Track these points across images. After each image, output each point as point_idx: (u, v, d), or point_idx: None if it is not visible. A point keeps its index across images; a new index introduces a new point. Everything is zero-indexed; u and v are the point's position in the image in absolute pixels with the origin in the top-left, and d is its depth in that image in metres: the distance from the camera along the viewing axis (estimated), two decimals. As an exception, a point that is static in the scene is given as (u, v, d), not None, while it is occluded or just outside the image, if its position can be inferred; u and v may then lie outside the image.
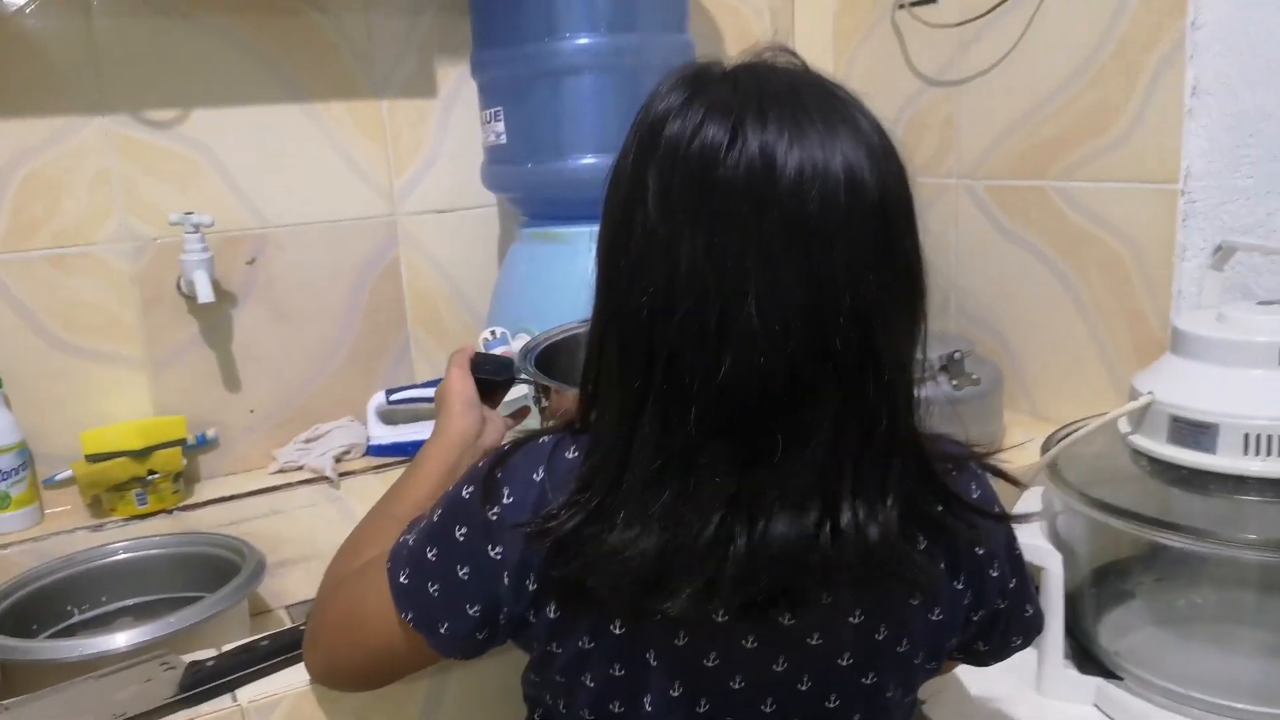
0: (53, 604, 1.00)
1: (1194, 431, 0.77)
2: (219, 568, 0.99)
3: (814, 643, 0.57)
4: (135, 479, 1.07)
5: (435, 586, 0.58)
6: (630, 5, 1.07)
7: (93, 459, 1.07)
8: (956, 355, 1.06)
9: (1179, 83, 0.99)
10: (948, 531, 0.57)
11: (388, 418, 1.23)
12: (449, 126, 1.23)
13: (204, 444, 1.16)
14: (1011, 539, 0.64)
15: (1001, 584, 0.63)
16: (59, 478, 1.09)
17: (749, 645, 0.57)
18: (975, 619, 0.63)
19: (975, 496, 0.60)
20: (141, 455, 1.07)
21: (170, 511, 1.09)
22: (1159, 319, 1.03)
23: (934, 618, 0.60)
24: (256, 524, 1.11)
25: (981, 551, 0.61)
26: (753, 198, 0.48)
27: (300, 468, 1.17)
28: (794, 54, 0.55)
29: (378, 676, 0.66)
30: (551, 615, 0.56)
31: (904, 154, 0.54)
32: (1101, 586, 0.90)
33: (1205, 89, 0.98)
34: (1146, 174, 1.03)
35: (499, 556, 0.56)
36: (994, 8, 1.14)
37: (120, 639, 0.86)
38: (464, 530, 0.57)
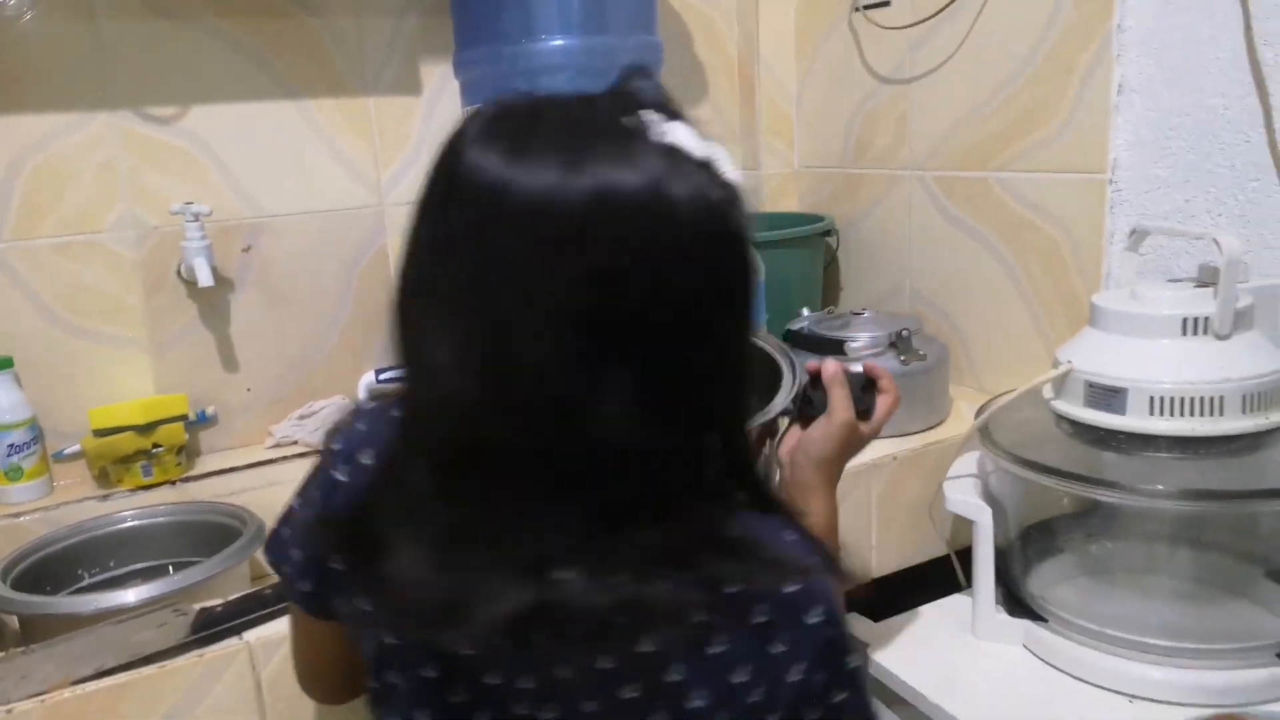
0: (64, 567, 1.07)
1: (1106, 395, 0.85)
2: (221, 533, 1.06)
3: (567, 675, 0.54)
4: (140, 452, 1.15)
5: (287, 529, 0.66)
6: (601, 9, 1.14)
7: (100, 434, 1.14)
8: (904, 333, 1.15)
9: (1107, 82, 1.08)
10: (723, 614, 0.51)
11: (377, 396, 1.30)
12: (432, 122, 1.31)
13: (204, 421, 1.23)
14: (837, 649, 0.54)
15: (805, 690, 0.53)
16: (68, 451, 1.16)
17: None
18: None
19: (788, 591, 0.52)
20: (146, 430, 1.15)
21: (174, 483, 1.17)
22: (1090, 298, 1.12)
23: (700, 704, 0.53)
24: (254, 494, 1.18)
25: (777, 651, 0.52)
26: (475, 228, 0.47)
27: (295, 442, 1.25)
28: (649, 82, 0.53)
29: (320, 668, 0.71)
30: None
31: (719, 196, 0.49)
32: (1029, 540, 0.98)
33: (1130, 87, 1.07)
34: (1078, 165, 1.12)
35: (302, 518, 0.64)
36: (939, 11, 1.23)
37: (131, 595, 0.93)
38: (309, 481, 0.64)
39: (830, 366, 0.77)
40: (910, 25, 1.28)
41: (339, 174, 1.27)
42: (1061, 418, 0.91)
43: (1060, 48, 1.12)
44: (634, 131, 0.48)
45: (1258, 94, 0.95)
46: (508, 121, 0.49)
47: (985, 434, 0.94)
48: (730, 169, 0.50)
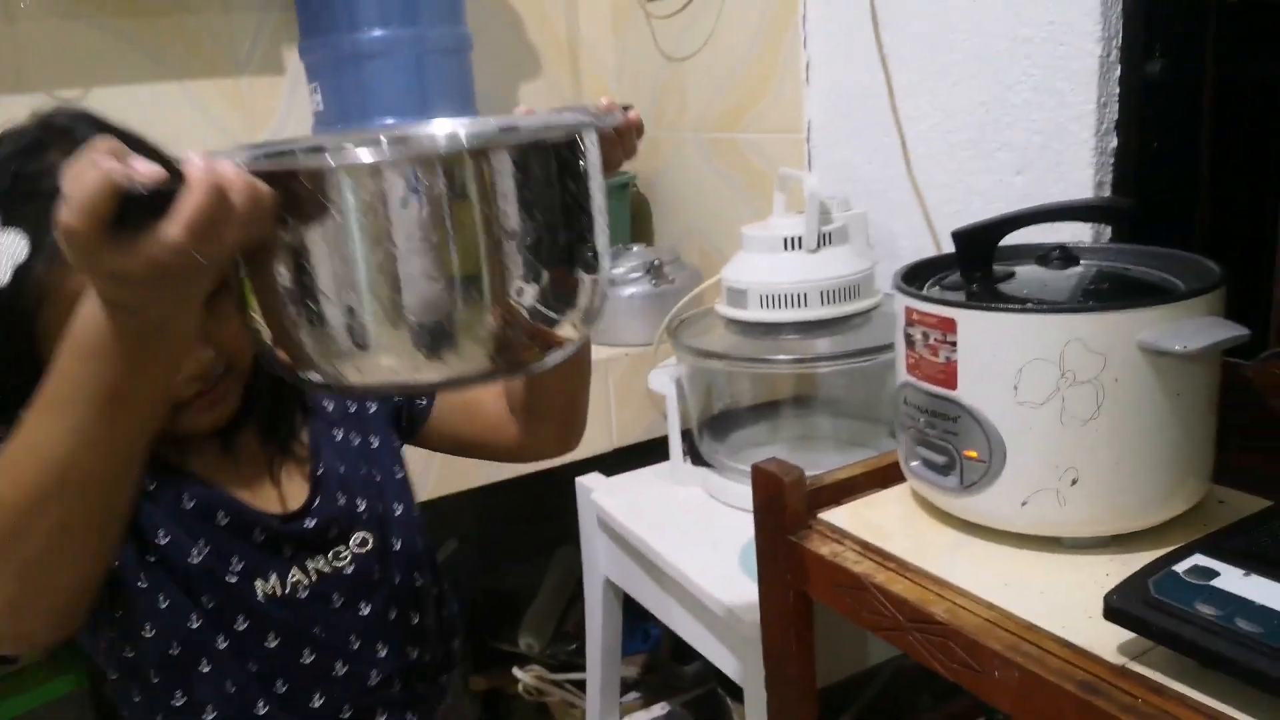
0: None
1: (738, 296, 1.16)
2: None
3: None
4: None
5: None
6: (412, 3, 1.44)
7: None
8: (655, 262, 1.46)
9: (798, 62, 1.38)
10: None
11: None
12: (294, 98, 1.61)
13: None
14: None
15: None
16: None
17: None
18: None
19: None
20: None
21: None
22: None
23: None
24: None
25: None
26: None
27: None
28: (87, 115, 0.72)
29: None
30: None
31: None
32: (710, 419, 1.30)
33: (815, 65, 1.37)
34: (786, 126, 1.42)
35: None
36: (688, 3, 1.53)
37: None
38: None
39: None
40: (672, 15, 1.58)
41: (218, 141, 1.57)
42: (725, 320, 1.22)
43: (769, 33, 1.41)
44: None
45: (883, 70, 1.25)
46: None
47: (672, 333, 1.25)
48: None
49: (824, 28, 1.33)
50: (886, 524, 0.83)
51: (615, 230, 1.72)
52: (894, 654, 1.08)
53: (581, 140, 0.56)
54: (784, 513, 0.83)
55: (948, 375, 0.76)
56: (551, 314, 0.55)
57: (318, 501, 0.81)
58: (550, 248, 0.54)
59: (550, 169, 0.54)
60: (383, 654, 0.82)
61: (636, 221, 1.78)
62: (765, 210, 1.49)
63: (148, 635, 0.72)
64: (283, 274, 0.51)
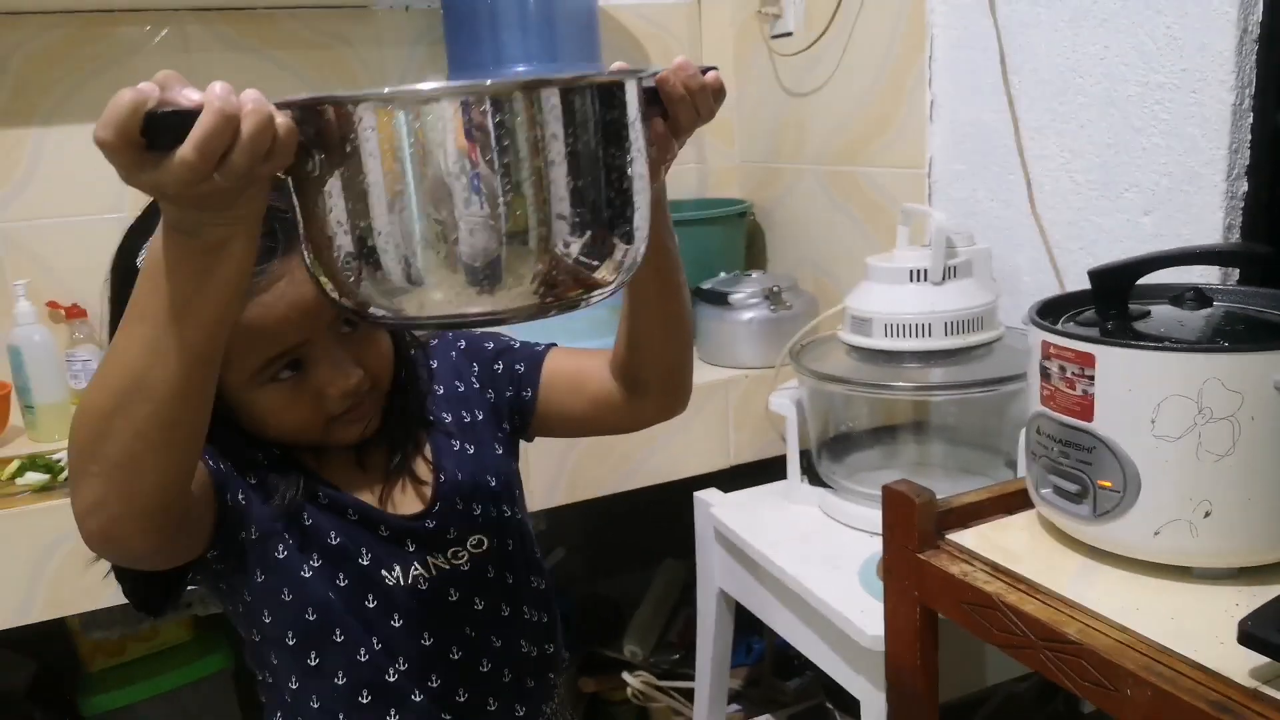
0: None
1: (862, 324, 1.21)
2: None
3: None
4: None
5: None
6: (552, 42, 1.53)
7: None
8: (775, 288, 1.51)
9: (923, 99, 1.42)
10: None
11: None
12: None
13: None
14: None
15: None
16: None
17: None
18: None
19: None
20: None
21: None
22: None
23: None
24: None
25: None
26: None
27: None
28: None
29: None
30: None
31: None
32: (829, 440, 1.35)
33: (939, 104, 1.41)
34: (908, 162, 1.47)
35: None
36: (813, 43, 1.59)
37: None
38: None
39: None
40: (798, 53, 1.64)
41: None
42: (847, 346, 1.27)
43: (894, 71, 1.47)
44: None
45: (1009, 110, 1.29)
46: None
47: (794, 356, 1.30)
48: None
49: (950, 69, 1.38)
50: (1014, 547, 0.87)
51: (730, 256, 1.78)
52: (1009, 676, 1.11)
53: (624, 89, 0.58)
54: (913, 531, 0.87)
55: (1084, 408, 0.80)
56: (593, 260, 0.57)
57: (437, 507, 0.87)
58: (593, 187, 0.56)
59: (593, 110, 0.56)
60: (497, 644, 0.88)
61: (752, 249, 1.84)
62: (882, 243, 1.54)
63: (286, 599, 0.79)
64: (331, 210, 0.54)
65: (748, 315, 1.50)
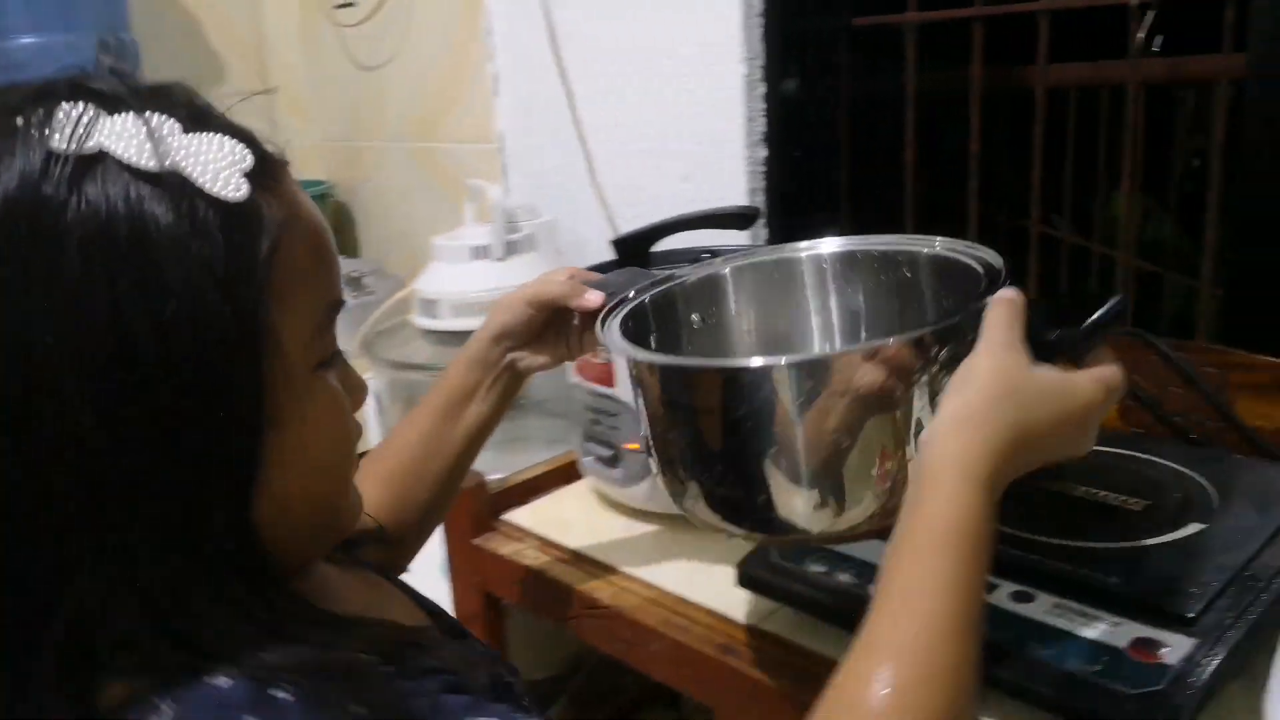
0: None
1: (430, 306, 1.18)
2: None
3: None
4: None
5: None
6: (66, 6, 1.34)
7: None
8: (354, 274, 1.44)
9: (486, 72, 1.41)
10: None
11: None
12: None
13: None
14: None
15: None
16: None
17: None
18: None
19: None
20: None
21: None
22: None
23: None
24: None
25: None
26: None
27: None
28: None
29: None
30: None
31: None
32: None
33: (502, 77, 1.40)
34: (479, 136, 1.45)
35: None
36: (373, 13, 1.52)
37: None
38: None
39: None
40: (359, 24, 1.57)
41: None
42: (422, 330, 1.23)
43: (458, 44, 1.44)
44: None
45: (563, 82, 1.31)
46: None
47: (366, 346, 1.24)
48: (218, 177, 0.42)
49: (508, 41, 1.37)
50: (568, 517, 0.88)
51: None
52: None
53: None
54: (465, 518, 0.85)
55: (608, 374, 0.82)
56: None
57: None
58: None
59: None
60: None
61: (341, 234, 1.75)
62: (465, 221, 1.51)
63: None
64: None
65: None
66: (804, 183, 1.16)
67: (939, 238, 0.63)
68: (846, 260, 0.68)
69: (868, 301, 0.68)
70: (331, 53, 1.69)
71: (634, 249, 0.86)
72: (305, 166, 1.80)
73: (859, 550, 0.67)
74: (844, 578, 0.65)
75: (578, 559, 0.81)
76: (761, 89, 1.12)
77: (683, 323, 0.68)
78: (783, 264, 0.70)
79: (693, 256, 0.92)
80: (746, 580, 0.68)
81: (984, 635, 0.44)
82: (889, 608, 0.44)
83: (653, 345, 0.63)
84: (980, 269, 0.57)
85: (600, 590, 0.76)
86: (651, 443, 0.59)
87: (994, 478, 0.46)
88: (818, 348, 0.69)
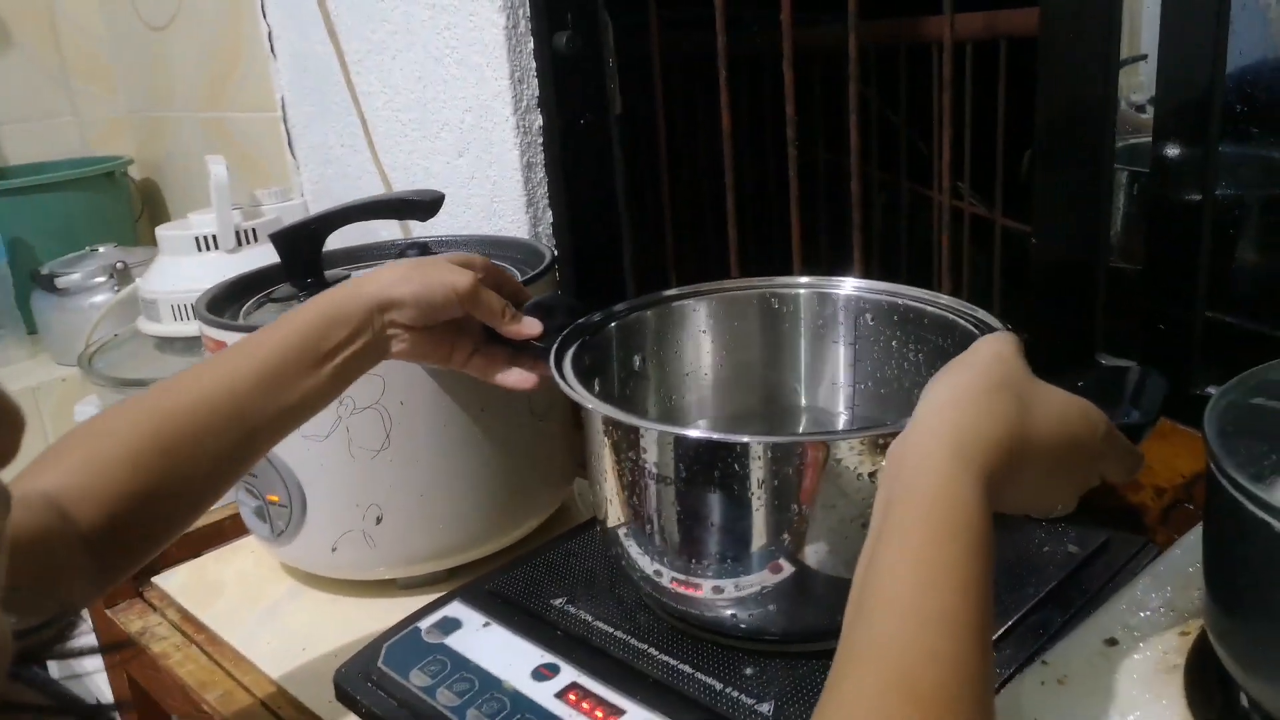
0: None
1: (151, 308, 1.00)
2: None
3: None
4: None
5: None
6: None
7: None
8: (120, 264, 1.26)
9: (260, 29, 1.22)
10: None
11: None
12: None
13: None
14: None
15: None
16: None
17: None
18: None
19: None
20: None
21: None
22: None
23: None
24: None
25: None
26: None
27: None
28: None
29: None
30: None
31: None
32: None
33: (277, 37, 1.22)
34: (259, 104, 1.27)
35: None
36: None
37: None
38: None
39: None
40: (129, -23, 1.37)
41: None
42: (142, 334, 1.05)
43: (232, 4, 1.25)
44: None
45: (333, 41, 1.12)
46: None
47: (89, 361, 1.05)
48: None
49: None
50: (227, 577, 0.72)
51: (113, 224, 1.49)
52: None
53: None
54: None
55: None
56: None
57: None
58: None
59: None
60: None
61: (153, 214, 1.56)
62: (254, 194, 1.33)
63: None
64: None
65: (91, 300, 1.23)
66: (590, 156, 0.98)
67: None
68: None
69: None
70: (123, 9, 1.49)
71: (299, 244, 0.70)
72: (110, 142, 1.62)
73: (485, 650, 0.51)
74: (447, 695, 0.49)
75: (212, 639, 0.65)
76: (529, 44, 0.94)
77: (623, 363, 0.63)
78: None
79: (398, 251, 0.76)
80: (341, 694, 0.52)
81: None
82: (889, 615, 0.34)
83: (596, 389, 0.56)
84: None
85: (214, 689, 0.60)
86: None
87: (989, 473, 0.36)
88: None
